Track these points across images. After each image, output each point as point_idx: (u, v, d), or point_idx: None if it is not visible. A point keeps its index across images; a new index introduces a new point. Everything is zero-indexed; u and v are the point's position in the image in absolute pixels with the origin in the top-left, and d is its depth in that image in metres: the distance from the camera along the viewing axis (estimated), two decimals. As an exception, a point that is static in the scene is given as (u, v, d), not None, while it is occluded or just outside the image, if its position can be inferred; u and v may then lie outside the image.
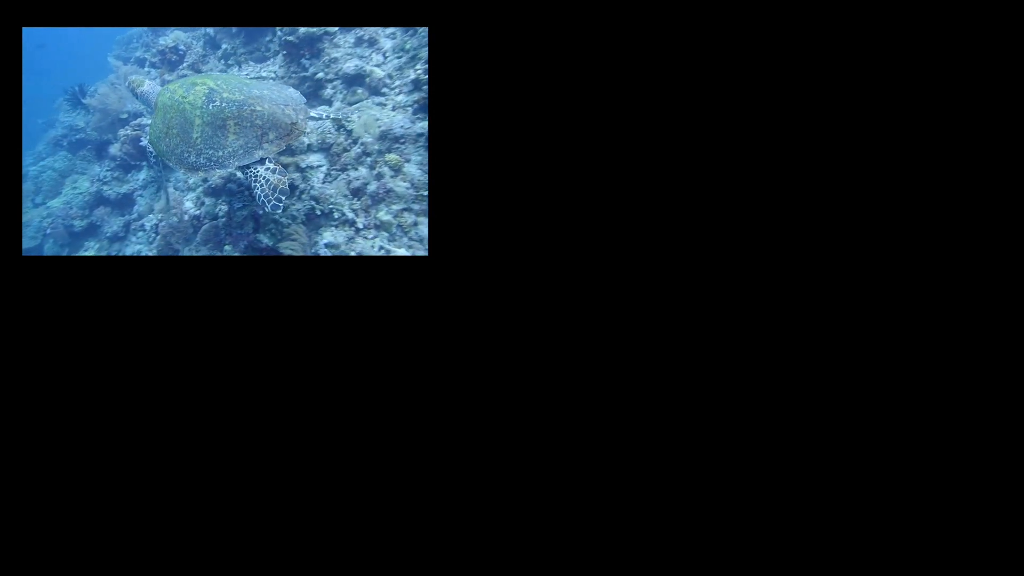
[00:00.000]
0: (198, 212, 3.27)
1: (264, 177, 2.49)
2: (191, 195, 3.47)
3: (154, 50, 4.26)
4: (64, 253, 5.32)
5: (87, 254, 4.76)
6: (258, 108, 2.48)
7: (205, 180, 3.27)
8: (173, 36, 4.16)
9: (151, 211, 4.04)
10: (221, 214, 3.12)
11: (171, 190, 3.66)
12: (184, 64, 4.01)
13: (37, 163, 7.48)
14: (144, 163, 4.15)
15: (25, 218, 6.87)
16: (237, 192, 3.02)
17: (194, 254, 3.15)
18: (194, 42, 4.03)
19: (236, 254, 2.88)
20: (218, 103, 2.48)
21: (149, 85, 3.03)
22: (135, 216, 4.31)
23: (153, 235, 3.82)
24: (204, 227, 3.13)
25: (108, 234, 4.54)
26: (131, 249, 4.29)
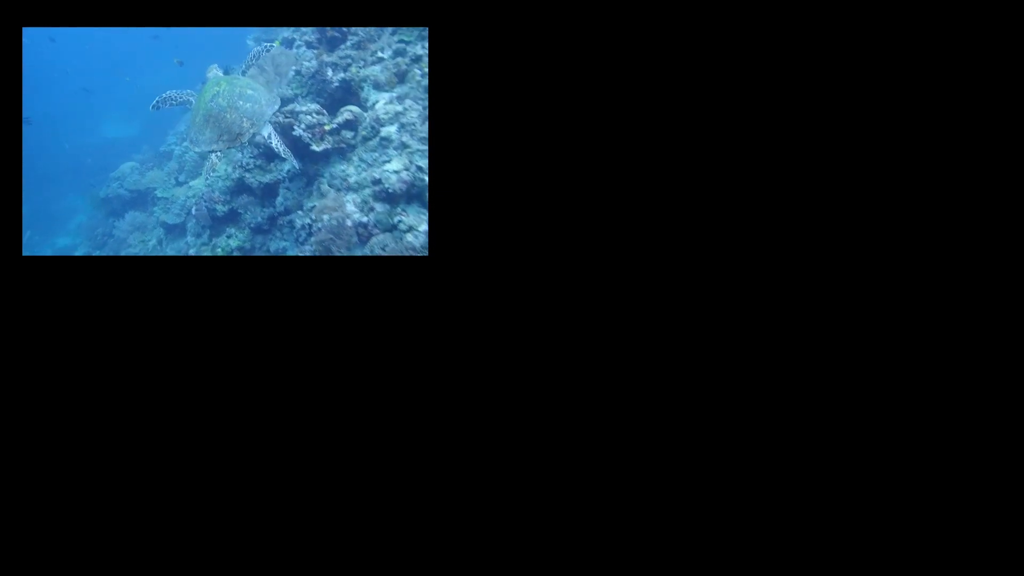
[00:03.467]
0: (365, 219, 2.60)
1: (211, 159, 3.36)
2: (353, 195, 2.80)
3: (310, 28, 3.64)
4: (205, 236, 4.93)
5: (226, 240, 4.32)
6: (228, 116, 3.07)
7: (377, 181, 2.58)
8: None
9: (299, 207, 3.46)
10: (403, 227, 2.42)
11: (325, 186, 3.03)
12: (347, 43, 3.35)
13: (181, 143, 7.27)
14: (290, 153, 3.56)
15: (169, 195, 6.65)
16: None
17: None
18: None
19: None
20: (213, 104, 3.10)
21: (214, 72, 3.61)
22: (281, 210, 3.75)
23: (304, 235, 3.22)
24: (381, 240, 2.44)
25: (251, 224, 4.03)
26: (275, 246, 3.76)
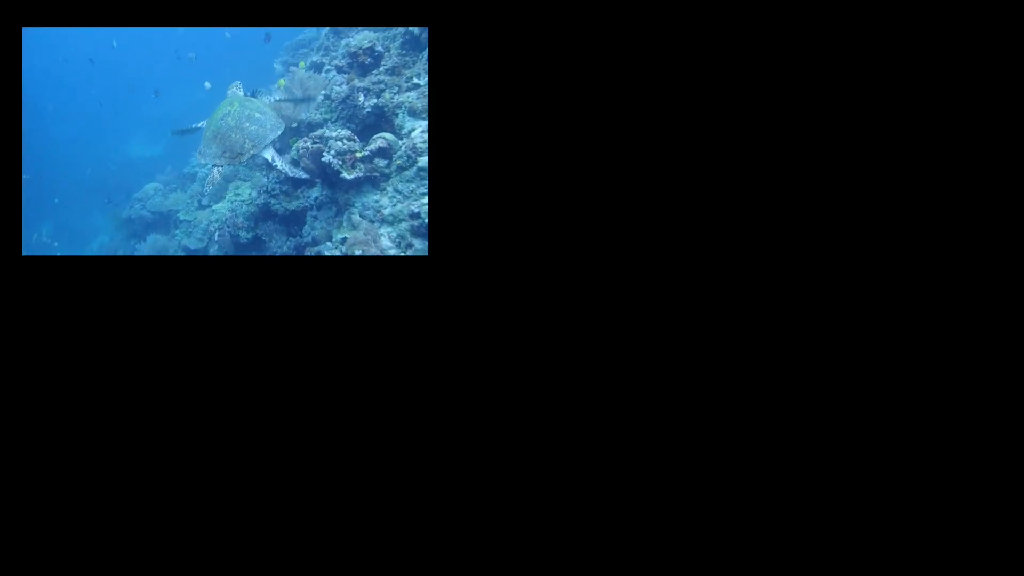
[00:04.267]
0: (403, 254, 2.40)
1: (212, 173, 3.54)
2: (388, 229, 2.61)
3: (340, 52, 3.50)
4: (227, 261, 4.79)
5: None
6: (233, 135, 3.30)
7: (415, 215, 2.39)
8: (363, 36, 3.36)
9: (328, 237, 3.28)
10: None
11: (357, 217, 2.85)
12: (380, 68, 3.20)
13: (206, 165, 7.20)
14: (318, 180, 3.39)
15: (192, 218, 6.53)
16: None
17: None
18: (391, 43, 3.21)
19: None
20: (222, 122, 3.33)
21: (234, 89, 3.77)
22: (308, 240, 3.58)
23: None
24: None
25: (276, 253, 3.86)
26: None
